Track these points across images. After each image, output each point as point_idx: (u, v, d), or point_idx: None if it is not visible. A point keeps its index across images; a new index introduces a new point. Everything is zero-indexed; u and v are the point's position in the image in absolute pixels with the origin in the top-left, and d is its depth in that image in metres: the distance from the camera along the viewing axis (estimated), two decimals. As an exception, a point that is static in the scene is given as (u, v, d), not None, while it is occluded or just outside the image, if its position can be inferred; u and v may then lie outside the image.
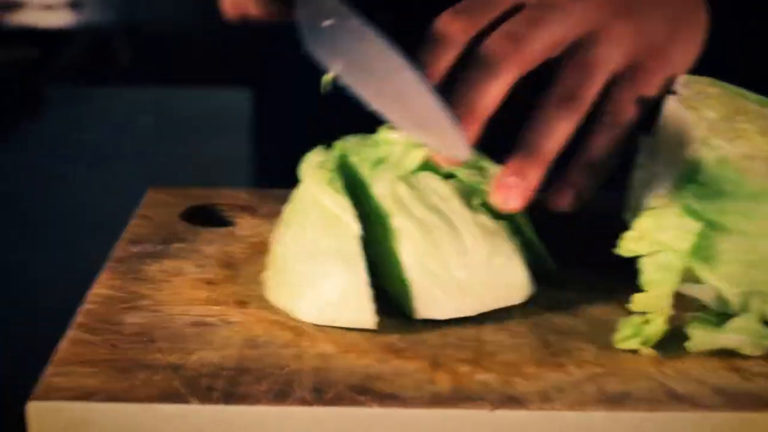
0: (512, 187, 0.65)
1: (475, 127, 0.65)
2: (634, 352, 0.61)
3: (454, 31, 0.67)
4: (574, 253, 0.72)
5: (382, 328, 0.63)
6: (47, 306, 0.78)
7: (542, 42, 0.66)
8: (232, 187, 0.88)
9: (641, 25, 0.70)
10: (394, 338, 0.63)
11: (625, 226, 0.64)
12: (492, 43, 0.66)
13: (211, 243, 0.76)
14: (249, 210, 0.82)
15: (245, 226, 0.80)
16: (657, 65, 0.70)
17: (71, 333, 0.62)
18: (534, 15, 0.67)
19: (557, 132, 0.66)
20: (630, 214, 0.67)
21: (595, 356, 0.61)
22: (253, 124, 1.10)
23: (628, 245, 0.62)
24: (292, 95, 1.03)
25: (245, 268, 0.72)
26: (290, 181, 0.71)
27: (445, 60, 0.66)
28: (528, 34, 0.66)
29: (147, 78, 1.69)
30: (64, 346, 0.61)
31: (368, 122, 0.75)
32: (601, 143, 0.69)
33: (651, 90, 0.69)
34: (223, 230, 0.79)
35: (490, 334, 0.64)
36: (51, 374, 0.58)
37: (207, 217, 0.82)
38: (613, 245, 0.64)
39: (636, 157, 0.68)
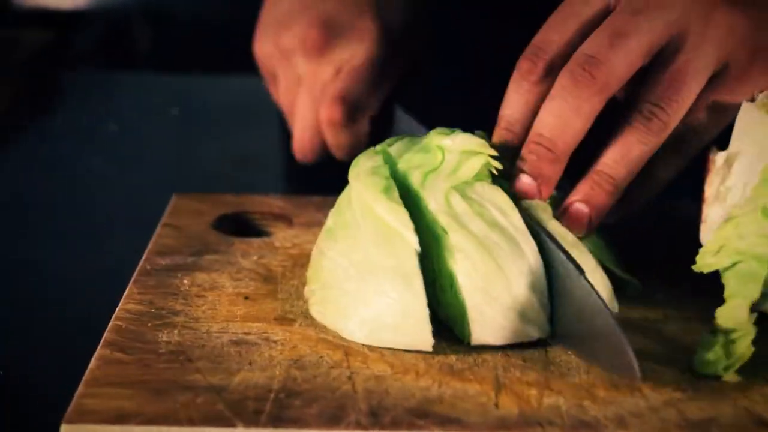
0: (580, 215, 0.64)
1: (559, 168, 0.64)
2: (717, 376, 0.59)
3: (533, 83, 0.65)
4: (645, 269, 0.70)
5: (437, 348, 0.61)
6: (69, 313, 0.76)
7: (627, 59, 0.62)
8: (265, 186, 0.87)
9: (735, 27, 0.64)
10: (452, 359, 0.61)
11: (699, 242, 0.62)
12: (572, 72, 0.63)
13: (247, 254, 0.74)
14: (284, 219, 0.81)
15: (281, 236, 0.78)
16: (750, 72, 0.66)
17: (101, 351, 0.61)
18: (616, 26, 0.63)
19: (635, 158, 0.64)
20: (704, 227, 0.65)
21: (675, 380, 0.59)
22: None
23: (706, 260, 0.61)
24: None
25: (285, 282, 0.71)
26: (325, 177, 0.70)
27: (527, 114, 0.65)
28: (610, 55, 0.62)
29: (171, 64, 1.66)
30: (94, 365, 0.59)
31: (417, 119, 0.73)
32: (674, 162, 0.67)
33: (737, 98, 0.65)
34: (258, 241, 0.77)
35: (557, 354, 0.62)
36: (82, 395, 0.56)
37: (239, 226, 0.80)
38: (689, 260, 0.62)
39: (708, 167, 0.66)
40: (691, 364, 0.60)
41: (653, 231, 0.69)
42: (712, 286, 0.61)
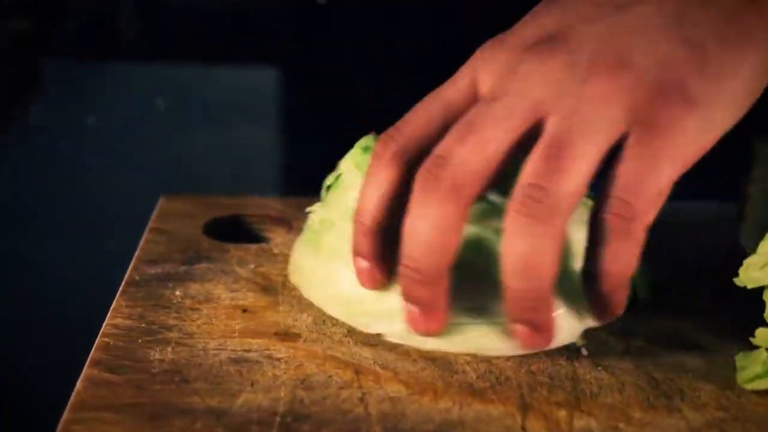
0: (524, 338, 0.59)
1: (438, 288, 0.59)
2: (762, 393, 0.57)
3: (382, 165, 0.59)
4: (682, 277, 0.70)
5: (455, 365, 0.60)
6: (51, 320, 0.74)
7: (477, 157, 0.55)
8: (261, 187, 0.85)
9: (636, 71, 0.54)
10: (471, 377, 0.59)
11: (741, 248, 0.60)
12: (420, 174, 0.56)
13: (243, 262, 0.72)
14: (282, 223, 0.79)
15: (280, 241, 0.76)
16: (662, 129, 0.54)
17: (88, 371, 0.58)
18: (470, 119, 0.56)
19: (543, 249, 0.55)
20: (747, 234, 0.63)
21: (716, 398, 0.57)
22: (283, 110, 1.06)
23: (751, 274, 0.58)
24: (331, 76, 0.98)
25: (286, 292, 0.69)
26: (325, 177, 0.69)
27: (376, 202, 0.61)
28: (458, 153, 0.55)
29: (158, 53, 1.63)
30: (81, 387, 0.57)
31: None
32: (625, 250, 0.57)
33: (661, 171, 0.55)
34: (255, 247, 0.75)
35: (586, 371, 0.60)
36: (69, 421, 0.54)
37: (234, 231, 0.79)
38: (728, 267, 0.60)
39: (752, 169, 0.64)
40: (730, 380, 0.58)
41: (684, 234, 0.67)
42: (744, 291, 0.59)
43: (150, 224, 0.78)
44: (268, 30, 0.98)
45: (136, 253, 0.73)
